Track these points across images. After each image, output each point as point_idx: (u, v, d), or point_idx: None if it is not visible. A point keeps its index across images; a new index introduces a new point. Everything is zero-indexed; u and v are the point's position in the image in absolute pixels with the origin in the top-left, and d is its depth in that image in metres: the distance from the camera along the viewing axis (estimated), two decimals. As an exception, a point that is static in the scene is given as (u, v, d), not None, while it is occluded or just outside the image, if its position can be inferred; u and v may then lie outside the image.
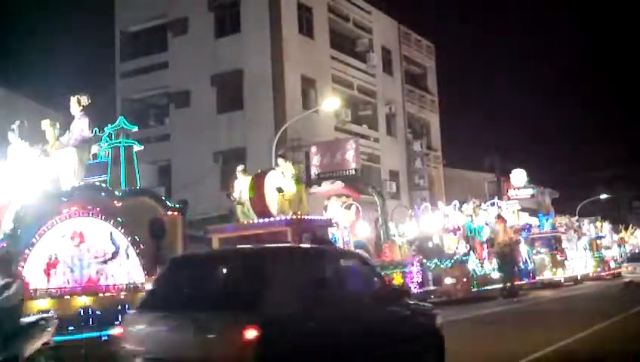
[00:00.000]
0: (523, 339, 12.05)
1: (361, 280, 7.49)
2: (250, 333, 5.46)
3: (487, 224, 24.86)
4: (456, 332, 14.28)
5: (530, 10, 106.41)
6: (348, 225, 19.19)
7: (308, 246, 9.70)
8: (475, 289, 22.32)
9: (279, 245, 9.71)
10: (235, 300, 5.93)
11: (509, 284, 22.12)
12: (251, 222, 16.45)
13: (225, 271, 6.79)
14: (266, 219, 16.11)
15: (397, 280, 18.90)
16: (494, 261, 23.61)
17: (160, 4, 33.71)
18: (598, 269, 35.95)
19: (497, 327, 14.93)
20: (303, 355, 5.81)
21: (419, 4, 64.73)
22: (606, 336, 12.15)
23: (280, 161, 17.52)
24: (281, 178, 16.66)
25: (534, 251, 29.72)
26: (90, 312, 11.26)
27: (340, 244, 18.06)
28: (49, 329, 8.88)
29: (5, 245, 10.43)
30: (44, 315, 9.25)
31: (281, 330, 5.73)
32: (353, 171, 29.88)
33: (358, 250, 19.44)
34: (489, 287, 22.54)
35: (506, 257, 22.56)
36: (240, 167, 17.33)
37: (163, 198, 13.83)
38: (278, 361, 5.65)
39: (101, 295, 11.55)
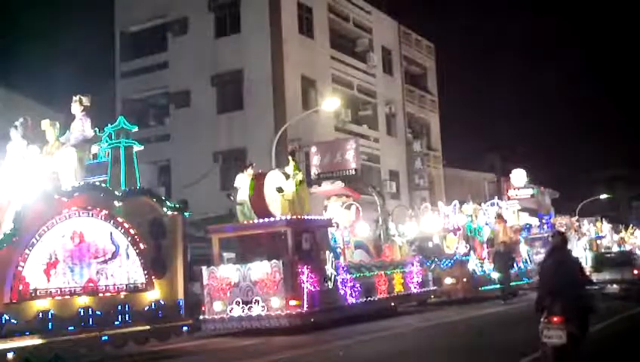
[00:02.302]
0: (521, 340, 12.03)
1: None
2: (636, 271, 21.99)
3: (487, 224, 24.82)
4: (456, 332, 14.31)
5: (530, 10, 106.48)
6: (348, 225, 19.16)
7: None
8: (475, 289, 22.25)
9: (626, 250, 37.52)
10: (626, 262, 23.15)
11: (504, 286, 21.68)
12: (251, 222, 16.46)
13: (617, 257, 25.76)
14: (266, 219, 16.13)
15: (397, 280, 18.90)
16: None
17: (160, 4, 33.68)
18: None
19: (497, 327, 14.92)
20: None
21: (419, 4, 64.60)
22: (607, 334, 12.15)
23: (290, 158, 17.50)
24: (282, 178, 16.65)
25: (534, 251, 29.68)
26: (90, 312, 11.27)
27: (339, 244, 18.06)
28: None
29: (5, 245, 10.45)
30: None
31: None
32: (353, 171, 29.86)
33: (359, 250, 19.48)
34: (489, 287, 22.46)
35: (502, 256, 22.32)
36: (250, 170, 17.15)
37: (163, 198, 13.84)
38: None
39: (101, 295, 11.56)
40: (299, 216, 16.03)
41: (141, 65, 34.40)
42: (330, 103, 28.19)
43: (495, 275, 22.30)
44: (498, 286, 22.06)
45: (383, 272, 18.32)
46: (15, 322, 10.28)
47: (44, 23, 38.24)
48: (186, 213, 13.68)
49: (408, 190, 40.17)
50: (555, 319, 7.76)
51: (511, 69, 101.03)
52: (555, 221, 34.49)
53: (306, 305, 14.89)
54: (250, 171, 17.18)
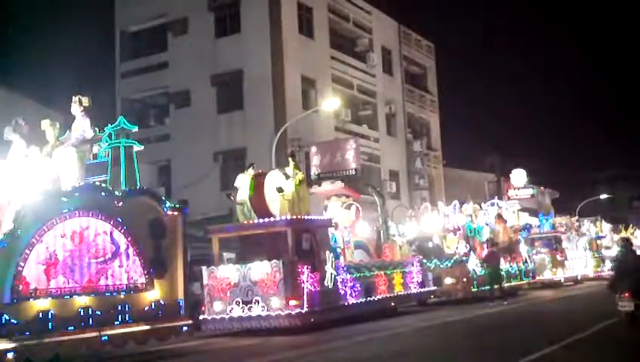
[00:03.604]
0: (521, 339, 12.04)
1: None
2: None
3: (487, 224, 24.81)
4: (455, 332, 14.31)
5: (530, 10, 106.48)
6: (348, 225, 19.15)
7: None
8: (475, 289, 22.22)
9: None
10: None
11: (497, 286, 21.37)
12: (251, 222, 16.45)
13: None
14: (266, 219, 16.13)
15: (397, 280, 18.89)
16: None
17: (160, 4, 33.71)
18: (598, 269, 35.92)
19: (497, 327, 14.92)
20: None
21: (419, 4, 64.63)
22: (607, 335, 12.16)
23: (290, 159, 17.48)
24: (282, 178, 16.64)
25: (534, 251, 29.69)
26: (90, 312, 11.27)
27: (339, 244, 18.04)
28: None
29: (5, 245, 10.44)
30: None
31: None
32: (353, 171, 29.89)
33: (359, 250, 19.46)
34: (488, 287, 22.41)
35: (494, 256, 22.00)
36: (250, 170, 17.17)
37: (163, 198, 13.82)
38: None
39: (101, 295, 11.55)
40: (299, 216, 16.03)
41: (141, 65, 34.43)
42: (330, 103, 28.22)
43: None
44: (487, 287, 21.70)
45: (383, 272, 18.32)
46: (15, 322, 10.26)
47: (44, 23, 38.24)
48: (186, 213, 13.66)
49: (408, 190, 40.19)
50: (626, 294, 12.23)
51: (511, 69, 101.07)
52: (554, 221, 34.45)
53: (306, 305, 14.89)
54: (250, 171, 17.19)
